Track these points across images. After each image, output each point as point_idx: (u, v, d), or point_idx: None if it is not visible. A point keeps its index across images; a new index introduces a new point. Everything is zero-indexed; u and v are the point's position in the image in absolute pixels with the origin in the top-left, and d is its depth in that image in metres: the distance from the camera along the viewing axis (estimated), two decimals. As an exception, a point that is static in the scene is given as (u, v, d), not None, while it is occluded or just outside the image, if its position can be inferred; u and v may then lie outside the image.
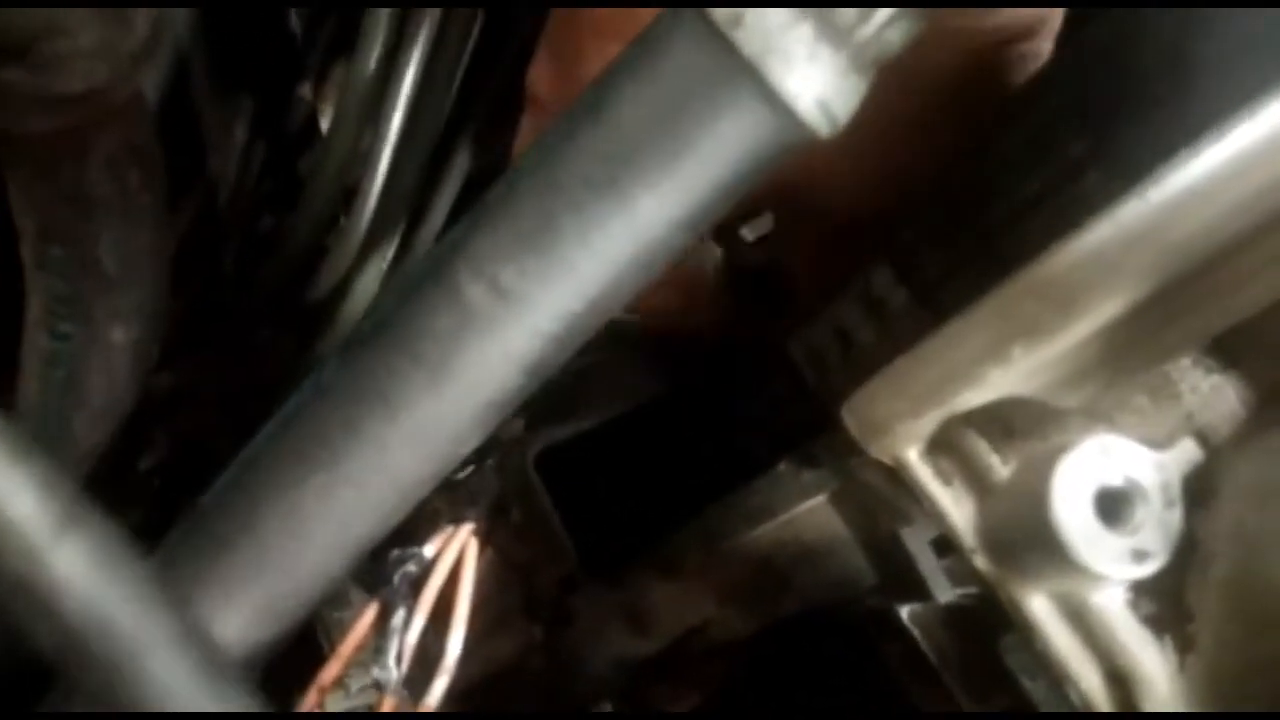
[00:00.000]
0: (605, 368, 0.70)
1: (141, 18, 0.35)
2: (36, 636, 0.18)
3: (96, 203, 0.37)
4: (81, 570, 0.17)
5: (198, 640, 0.18)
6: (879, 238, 0.44)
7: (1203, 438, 0.38)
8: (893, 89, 0.32)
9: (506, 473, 0.65)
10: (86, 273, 0.38)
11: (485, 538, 0.45)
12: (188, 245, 0.63)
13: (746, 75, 0.30)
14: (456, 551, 0.44)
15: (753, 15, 0.30)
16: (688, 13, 0.31)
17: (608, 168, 0.33)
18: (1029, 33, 0.46)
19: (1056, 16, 0.48)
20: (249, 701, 0.19)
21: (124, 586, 0.18)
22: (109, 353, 0.41)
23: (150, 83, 0.52)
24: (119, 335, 0.41)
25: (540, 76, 0.51)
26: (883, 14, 0.30)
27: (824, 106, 0.31)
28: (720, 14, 0.30)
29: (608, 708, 0.61)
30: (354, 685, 0.50)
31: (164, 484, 0.69)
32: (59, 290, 0.39)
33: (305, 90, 0.64)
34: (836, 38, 0.30)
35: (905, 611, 0.51)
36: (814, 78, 0.30)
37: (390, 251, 0.61)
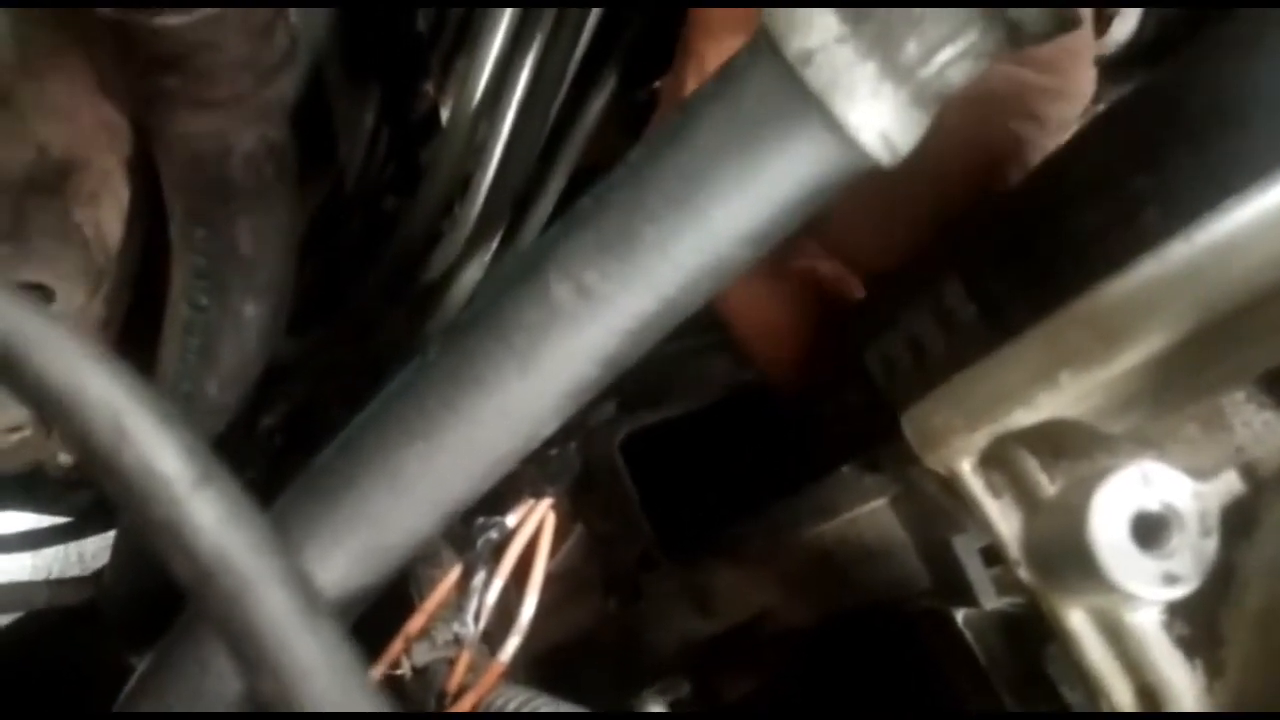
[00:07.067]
0: (694, 359, 0.73)
1: (281, 31, 0.40)
2: (174, 569, 0.23)
3: (236, 192, 0.41)
4: (213, 519, 0.21)
5: (303, 582, 0.22)
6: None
7: (1248, 471, 0.39)
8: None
9: (593, 453, 0.69)
10: (224, 253, 0.43)
11: (565, 512, 0.49)
12: (316, 223, 0.69)
13: (814, 108, 0.33)
14: (536, 523, 0.48)
15: (821, 54, 0.32)
16: (763, 50, 0.33)
17: (686, 185, 0.35)
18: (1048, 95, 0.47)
19: (1084, 78, 0.48)
20: (340, 634, 0.23)
21: (246, 534, 0.22)
22: (240, 324, 0.46)
23: (289, 80, 0.57)
24: (250, 309, 0.46)
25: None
26: (944, 54, 0.32)
27: (886, 138, 0.33)
28: (792, 52, 0.32)
29: (685, 688, 0.64)
30: (439, 637, 0.54)
31: (283, 441, 0.75)
32: (200, 267, 0.44)
33: (428, 85, 0.69)
34: (899, 75, 0.32)
35: (960, 615, 0.53)
36: (877, 112, 0.33)
37: (497, 239, 0.65)
